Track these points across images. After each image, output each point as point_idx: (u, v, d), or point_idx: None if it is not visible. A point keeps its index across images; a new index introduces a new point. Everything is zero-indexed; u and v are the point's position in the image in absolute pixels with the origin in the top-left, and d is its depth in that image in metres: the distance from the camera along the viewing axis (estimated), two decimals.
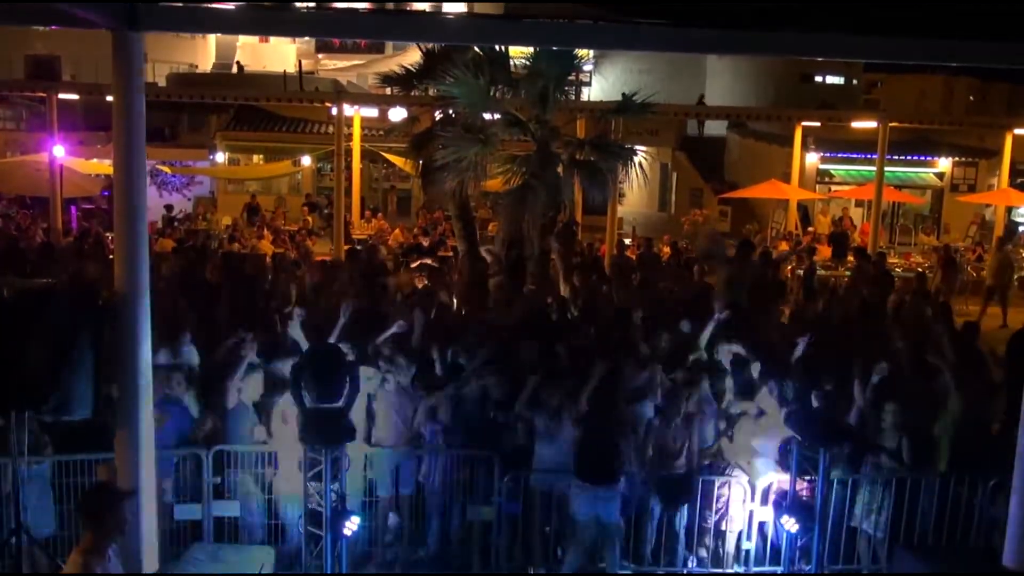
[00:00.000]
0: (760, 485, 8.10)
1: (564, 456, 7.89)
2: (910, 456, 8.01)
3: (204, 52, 47.76)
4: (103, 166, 24.64)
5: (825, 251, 22.08)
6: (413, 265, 15.55)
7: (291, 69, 38.02)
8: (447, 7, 48.19)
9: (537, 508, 8.04)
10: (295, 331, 8.55)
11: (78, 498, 6.90)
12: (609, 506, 7.61)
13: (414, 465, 8.35)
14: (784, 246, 22.45)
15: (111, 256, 6.31)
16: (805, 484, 7.57)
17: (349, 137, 23.61)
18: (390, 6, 50.06)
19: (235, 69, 41.44)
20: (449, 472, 8.15)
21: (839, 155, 30.64)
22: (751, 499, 8.16)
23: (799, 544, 7.63)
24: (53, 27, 31.75)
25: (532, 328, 9.86)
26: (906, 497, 7.94)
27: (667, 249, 20.03)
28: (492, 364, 8.46)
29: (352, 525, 6.91)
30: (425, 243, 19.38)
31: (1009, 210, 27.33)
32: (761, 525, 8.20)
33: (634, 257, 18.57)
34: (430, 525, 8.36)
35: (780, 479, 7.95)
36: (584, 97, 40.53)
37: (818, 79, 45.03)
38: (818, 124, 27.94)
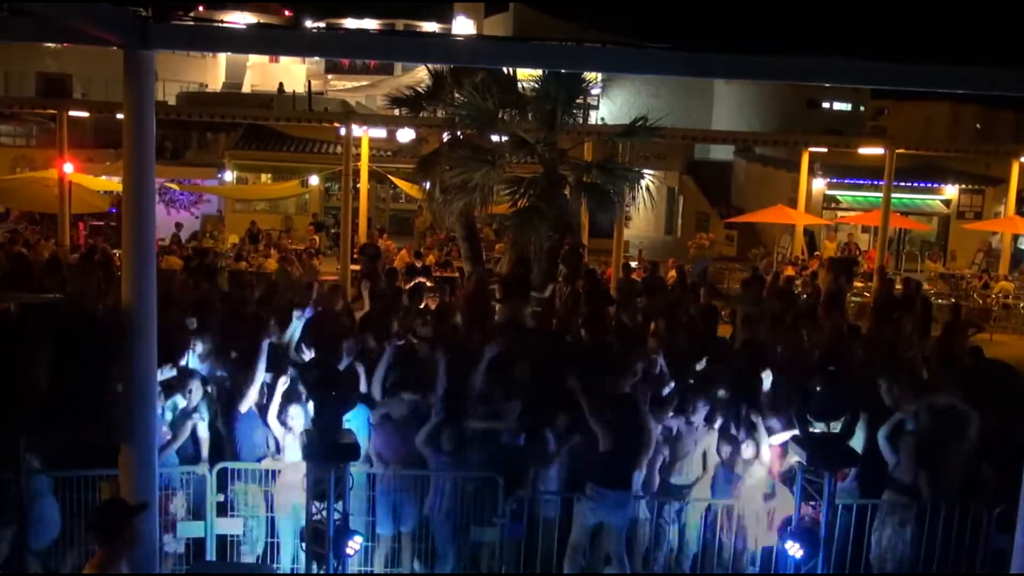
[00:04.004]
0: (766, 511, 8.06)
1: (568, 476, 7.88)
2: (929, 490, 7.81)
3: (214, 72, 48.26)
4: (112, 183, 24.78)
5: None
6: (407, 286, 15.53)
7: (300, 89, 38.29)
8: (456, 28, 48.61)
9: (541, 532, 7.98)
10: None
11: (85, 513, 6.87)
12: (619, 512, 7.58)
13: (417, 487, 8.28)
14: (790, 271, 22.40)
15: (119, 272, 6.33)
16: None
17: (357, 157, 23.73)
18: (400, 27, 50.58)
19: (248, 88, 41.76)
20: (452, 495, 8.09)
21: (846, 181, 30.72)
22: (755, 524, 8.11)
23: (804, 570, 7.55)
24: (65, 44, 32.13)
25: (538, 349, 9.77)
26: (914, 526, 7.85)
27: (673, 273, 19.98)
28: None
29: (355, 544, 6.88)
30: (418, 264, 19.26)
31: (1016, 238, 27.33)
32: (765, 550, 8.14)
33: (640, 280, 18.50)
34: (433, 547, 8.30)
35: (785, 504, 7.89)
36: (592, 120, 40.69)
37: (825, 105, 45.30)
38: (825, 150, 28.00)
